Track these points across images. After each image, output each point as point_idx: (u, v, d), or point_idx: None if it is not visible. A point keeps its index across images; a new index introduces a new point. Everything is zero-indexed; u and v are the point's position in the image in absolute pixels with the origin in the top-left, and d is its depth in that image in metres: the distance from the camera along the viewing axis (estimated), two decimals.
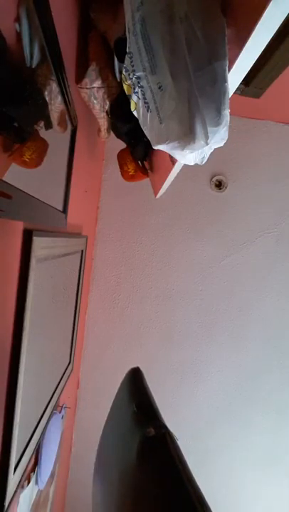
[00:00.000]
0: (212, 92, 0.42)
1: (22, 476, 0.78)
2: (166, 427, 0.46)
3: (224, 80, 0.42)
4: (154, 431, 0.44)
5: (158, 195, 1.35)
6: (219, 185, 1.89)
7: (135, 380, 0.59)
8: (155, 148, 0.50)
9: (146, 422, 0.47)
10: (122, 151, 1.22)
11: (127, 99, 0.54)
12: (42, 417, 0.93)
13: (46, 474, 1.08)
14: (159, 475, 0.40)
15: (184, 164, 0.62)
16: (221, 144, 0.47)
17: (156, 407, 0.52)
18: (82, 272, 1.39)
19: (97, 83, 0.87)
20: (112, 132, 1.09)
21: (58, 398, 1.16)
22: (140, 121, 0.53)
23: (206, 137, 0.43)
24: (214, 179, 1.88)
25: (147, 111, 0.49)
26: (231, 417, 2.02)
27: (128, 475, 0.45)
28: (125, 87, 0.53)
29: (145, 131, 0.53)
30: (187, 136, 0.44)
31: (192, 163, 0.52)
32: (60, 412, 1.26)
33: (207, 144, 0.44)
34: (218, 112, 0.42)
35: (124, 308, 1.94)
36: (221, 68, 0.42)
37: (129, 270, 1.93)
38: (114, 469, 0.53)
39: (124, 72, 0.52)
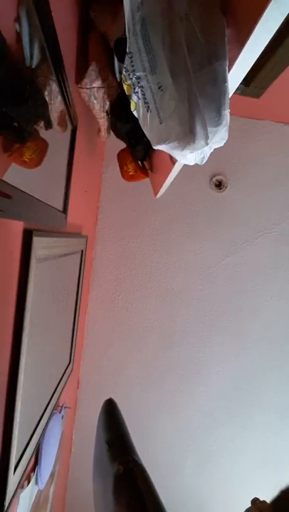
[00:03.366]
0: (212, 92, 0.42)
1: (22, 476, 0.78)
2: (133, 461, 0.48)
3: (224, 80, 0.42)
4: (122, 468, 0.47)
5: (158, 195, 1.35)
6: (219, 185, 1.89)
7: (107, 414, 0.62)
8: (155, 148, 0.50)
9: (116, 459, 0.50)
10: (122, 151, 1.22)
11: (127, 99, 0.54)
12: (42, 417, 0.93)
13: (46, 474, 1.08)
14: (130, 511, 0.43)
15: (184, 164, 0.62)
16: (221, 144, 0.47)
17: (127, 439, 0.55)
18: (82, 272, 1.39)
19: (97, 83, 0.87)
20: (112, 132, 1.09)
21: (58, 398, 1.16)
22: (140, 121, 0.53)
23: (206, 137, 0.43)
24: (214, 179, 1.88)
25: (147, 111, 0.49)
26: (231, 417, 2.02)
27: (109, 510, 0.47)
28: (125, 87, 0.53)
29: (145, 131, 0.53)
30: (187, 137, 0.44)
31: (192, 163, 0.52)
32: (60, 412, 1.26)
33: (207, 144, 0.44)
34: (218, 112, 0.42)
35: (124, 308, 1.94)
36: (221, 68, 0.42)
37: (129, 270, 1.93)
38: (101, 500, 0.55)
39: (124, 72, 0.52)
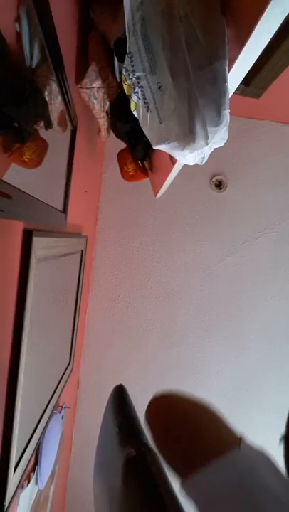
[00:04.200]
0: (212, 92, 0.42)
1: (22, 476, 0.78)
2: (146, 446, 0.47)
3: (224, 80, 0.42)
4: (134, 451, 0.46)
5: (158, 195, 1.35)
6: (219, 185, 1.89)
7: (117, 398, 0.61)
8: (155, 148, 0.50)
9: (127, 442, 0.49)
10: (122, 151, 1.22)
11: (127, 99, 0.54)
12: (42, 417, 0.93)
13: (46, 474, 1.08)
14: (142, 496, 0.41)
15: (184, 164, 0.62)
16: (221, 144, 0.47)
17: (138, 424, 0.53)
18: (82, 272, 1.39)
19: (97, 83, 0.87)
20: (112, 132, 1.09)
21: (58, 398, 1.16)
22: (140, 121, 0.53)
23: (206, 137, 0.43)
24: (214, 179, 1.88)
25: (147, 111, 0.49)
26: (231, 417, 2.01)
27: (116, 496, 0.46)
28: (125, 87, 0.53)
29: (145, 131, 0.53)
30: (187, 136, 0.44)
31: (192, 163, 0.52)
32: (60, 412, 1.26)
33: (207, 144, 0.44)
34: (218, 112, 0.42)
35: (124, 308, 1.94)
36: (221, 68, 0.42)
37: (129, 270, 1.93)
38: (104, 490, 0.54)
39: (124, 72, 0.52)
